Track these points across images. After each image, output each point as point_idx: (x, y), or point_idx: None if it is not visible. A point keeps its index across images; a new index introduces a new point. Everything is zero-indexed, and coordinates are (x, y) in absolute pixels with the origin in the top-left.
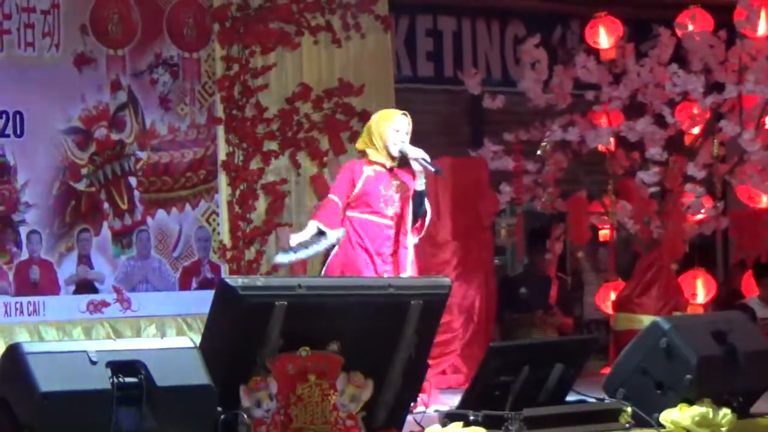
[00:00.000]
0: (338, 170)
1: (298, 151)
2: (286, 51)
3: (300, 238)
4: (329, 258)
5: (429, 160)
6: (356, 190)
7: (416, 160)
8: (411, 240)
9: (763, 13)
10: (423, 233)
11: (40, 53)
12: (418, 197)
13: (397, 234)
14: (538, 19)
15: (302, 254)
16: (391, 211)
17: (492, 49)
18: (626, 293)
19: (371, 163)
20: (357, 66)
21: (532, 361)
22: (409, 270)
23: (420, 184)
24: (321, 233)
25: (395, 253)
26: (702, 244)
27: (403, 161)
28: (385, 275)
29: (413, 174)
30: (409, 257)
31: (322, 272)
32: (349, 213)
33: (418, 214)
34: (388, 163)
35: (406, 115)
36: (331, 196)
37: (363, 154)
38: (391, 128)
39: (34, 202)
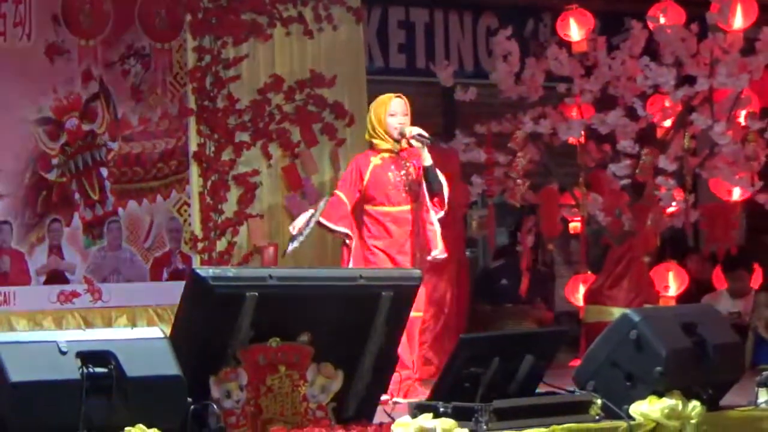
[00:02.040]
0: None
1: (269, 143)
2: (258, 42)
3: (297, 224)
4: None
5: (425, 134)
6: (365, 182)
7: (413, 137)
8: (434, 216)
9: (738, 7)
10: (446, 207)
11: (12, 43)
12: (428, 173)
13: (415, 216)
14: (510, 12)
15: (302, 237)
16: (402, 194)
17: (464, 41)
18: (597, 285)
19: (378, 151)
20: (329, 57)
21: (503, 352)
22: (439, 246)
23: (426, 160)
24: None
25: (423, 232)
26: (673, 237)
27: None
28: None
29: (418, 152)
30: (437, 233)
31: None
32: (366, 207)
33: (434, 188)
34: (395, 148)
35: (401, 97)
36: (336, 191)
37: (370, 144)
38: (388, 113)
39: (4, 192)
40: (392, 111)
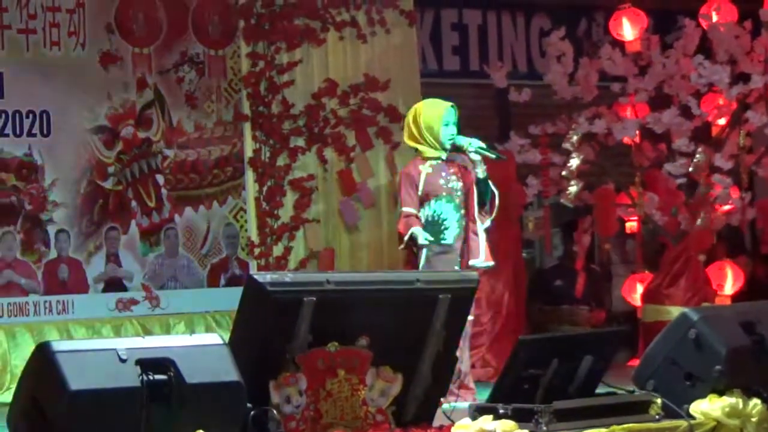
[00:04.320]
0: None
1: (324, 147)
2: (311, 47)
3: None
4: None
5: (485, 146)
6: (420, 191)
7: (474, 151)
8: (481, 226)
9: None
10: (494, 216)
11: (66, 52)
12: (481, 184)
13: (465, 224)
14: (563, 12)
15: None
16: (454, 202)
17: (517, 42)
18: (655, 285)
19: (425, 159)
20: (382, 61)
21: (562, 353)
22: (482, 255)
23: (481, 172)
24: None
25: (467, 242)
26: (729, 235)
27: (453, 147)
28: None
29: (470, 161)
30: (481, 244)
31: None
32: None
33: (486, 198)
34: (443, 156)
35: (453, 106)
36: (404, 209)
37: (416, 151)
38: (441, 124)
39: (61, 201)
40: (446, 120)
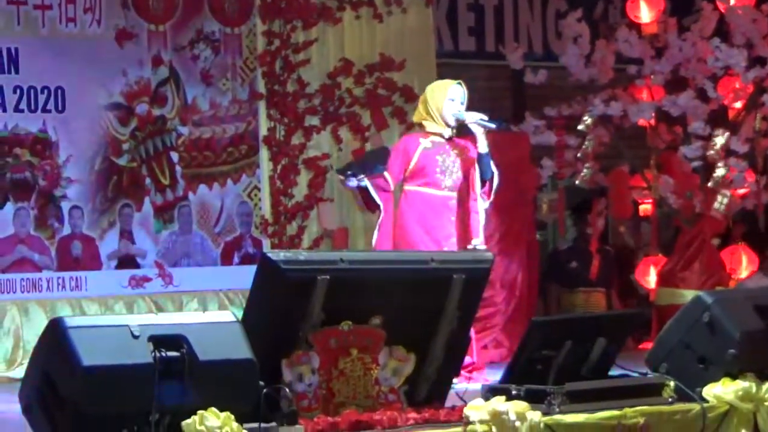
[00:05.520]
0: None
1: (339, 126)
2: (327, 26)
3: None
4: (379, 230)
5: (486, 118)
6: (412, 164)
7: (474, 123)
8: (482, 205)
9: None
10: (492, 196)
11: (82, 29)
12: (483, 160)
13: (460, 203)
14: None
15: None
16: (449, 181)
17: (534, 24)
18: (669, 268)
19: (428, 134)
20: (398, 41)
21: (575, 335)
22: (481, 236)
23: (482, 147)
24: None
25: (466, 220)
26: (744, 219)
27: (462, 129)
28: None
29: (474, 140)
30: (481, 223)
31: (373, 242)
32: (406, 187)
33: (486, 176)
34: (447, 133)
35: (461, 84)
36: (385, 173)
37: (420, 126)
38: (447, 98)
39: (76, 178)
40: (452, 96)
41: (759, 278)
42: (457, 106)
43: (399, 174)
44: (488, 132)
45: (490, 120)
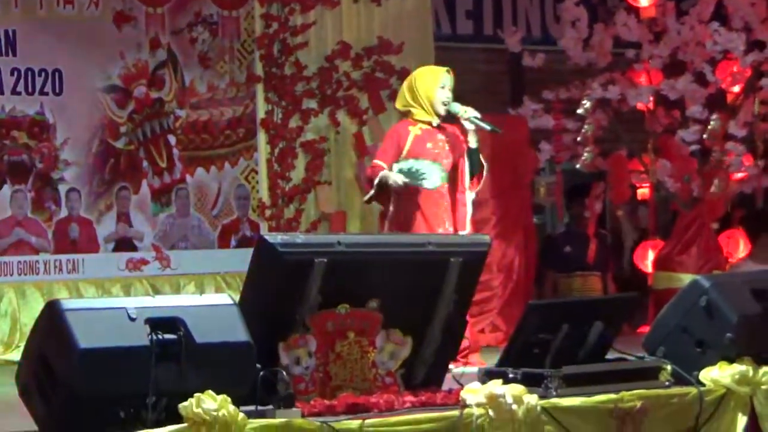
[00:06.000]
0: (381, 134)
1: (337, 110)
2: (325, 9)
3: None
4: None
5: (480, 116)
6: (404, 152)
7: (468, 120)
8: (469, 197)
9: None
10: (479, 187)
11: (80, 11)
12: (473, 155)
13: (451, 191)
14: None
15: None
16: (442, 164)
17: (532, 7)
18: (666, 252)
19: (416, 122)
20: (396, 24)
21: (572, 318)
22: (468, 228)
23: (473, 142)
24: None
25: (454, 211)
26: (743, 203)
27: (448, 116)
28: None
29: (462, 130)
30: (468, 215)
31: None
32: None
33: (475, 170)
34: (435, 121)
35: (449, 71)
36: (376, 161)
37: (405, 113)
38: (437, 86)
39: (73, 160)
40: (442, 84)
41: (748, 264)
42: (447, 93)
43: (390, 161)
44: (480, 129)
45: (484, 121)
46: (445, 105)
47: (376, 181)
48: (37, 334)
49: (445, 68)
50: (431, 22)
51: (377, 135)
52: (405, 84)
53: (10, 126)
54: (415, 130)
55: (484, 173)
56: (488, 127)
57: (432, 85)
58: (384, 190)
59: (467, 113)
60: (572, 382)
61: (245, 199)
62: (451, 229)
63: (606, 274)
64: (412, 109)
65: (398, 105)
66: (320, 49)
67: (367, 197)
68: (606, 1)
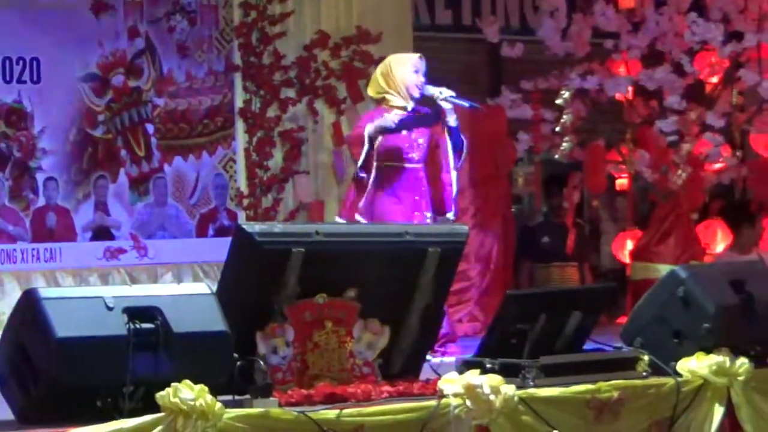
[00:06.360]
0: (357, 120)
1: (315, 99)
2: None
3: None
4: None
5: (456, 95)
6: (379, 138)
7: (445, 99)
8: (454, 177)
9: None
10: (460, 164)
11: None
12: (453, 133)
13: (430, 175)
14: None
15: None
16: (417, 153)
17: None
18: (644, 242)
19: (391, 108)
20: (375, 13)
21: (550, 309)
22: (453, 208)
23: (452, 121)
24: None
25: (440, 192)
26: (723, 194)
27: (423, 100)
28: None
29: (439, 111)
30: (453, 194)
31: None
32: (376, 162)
33: (459, 148)
34: (409, 106)
35: (421, 57)
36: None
37: (380, 100)
38: (410, 71)
39: (50, 149)
40: (415, 68)
41: (729, 255)
42: (420, 78)
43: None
44: (458, 107)
45: (461, 98)
46: (420, 89)
47: (371, 130)
48: (15, 324)
49: (418, 54)
50: (410, 11)
51: (355, 124)
52: (378, 70)
53: None
54: (391, 117)
55: (464, 152)
56: (466, 104)
57: (406, 69)
58: (373, 147)
59: (443, 94)
60: (550, 373)
61: (223, 188)
62: (428, 213)
63: (583, 264)
64: (387, 96)
65: (371, 92)
66: (299, 39)
67: (360, 161)
68: None
